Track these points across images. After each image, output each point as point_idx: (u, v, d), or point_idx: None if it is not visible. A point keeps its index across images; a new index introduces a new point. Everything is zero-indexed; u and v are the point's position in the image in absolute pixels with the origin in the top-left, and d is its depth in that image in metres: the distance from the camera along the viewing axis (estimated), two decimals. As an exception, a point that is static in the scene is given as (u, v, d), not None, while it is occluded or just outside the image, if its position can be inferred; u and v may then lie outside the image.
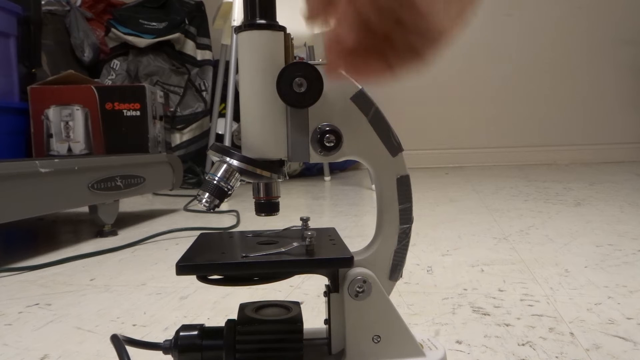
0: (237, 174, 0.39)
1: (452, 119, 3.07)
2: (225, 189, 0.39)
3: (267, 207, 0.42)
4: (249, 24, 0.38)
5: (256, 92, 0.39)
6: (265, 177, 0.40)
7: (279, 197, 0.43)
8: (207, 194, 0.39)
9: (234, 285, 0.44)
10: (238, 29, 0.39)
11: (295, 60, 0.39)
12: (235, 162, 0.39)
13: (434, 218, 1.30)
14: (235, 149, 0.40)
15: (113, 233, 1.22)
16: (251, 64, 0.39)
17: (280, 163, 0.41)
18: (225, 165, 0.39)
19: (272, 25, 0.39)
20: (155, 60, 2.35)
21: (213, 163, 0.41)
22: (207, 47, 2.52)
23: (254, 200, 0.43)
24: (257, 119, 0.40)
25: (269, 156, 0.40)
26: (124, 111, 1.78)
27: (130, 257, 1.00)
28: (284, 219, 0.50)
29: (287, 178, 0.43)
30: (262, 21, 0.38)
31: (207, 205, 0.39)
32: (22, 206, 0.93)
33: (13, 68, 1.78)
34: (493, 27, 2.97)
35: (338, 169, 2.80)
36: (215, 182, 0.39)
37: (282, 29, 0.39)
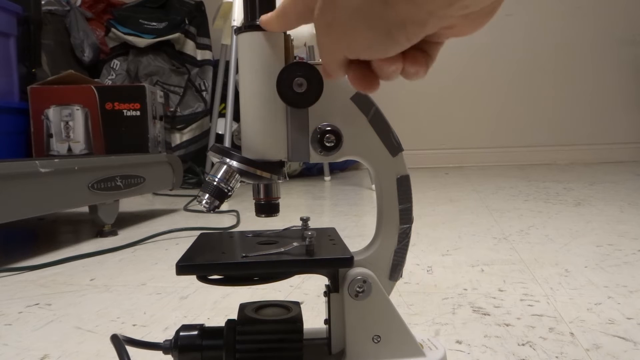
0: (237, 175, 0.40)
1: (452, 119, 3.07)
2: (225, 190, 0.39)
3: (267, 208, 0.42)
4: (249, 25, 0.38)
5: (256, 93, 0.39)
6: (265, 178, 0.40)
7: (279, 198, 0.43)
8: (207, 195, 0.39)
9: (234, 285, 0.44)
10: (238, 30, 0.39)
11: (295, 60, 0.39)
12: (235, 164, 0.39)
13: (434, 218, 1.30)
14: (235, 149, 0.40)
15: (113, 233, 1.22)
16: (251, 65, 0.39)
17: (280, 164, 0.41)
18: (225, 167, 0.39)
19: (272, 26, 0.38)
20: (155, 60, 2.35)
21: (213, 164, 0.41)
22: (207, 47, 2.52)
23: (253, 201, 0.43)
24: (257, 119, 0.40)
25: (268, 157, 0.40)
26: (124, 111, 1.78)
27: (130, 257, 1.00)
28: (284, 219, 0.50)
29: (287, 179, 0.43)
30: (262, 22, 0.38)
31: (207, 206, 0.39)
32: (22, 206, 0.93)
33: (13, 68, 1.78)
34: (493, 27, 2.96)
35: (338, 169, 2.80)
36: (215, 183, 0.39)
37: (282, 29, 0.39)
